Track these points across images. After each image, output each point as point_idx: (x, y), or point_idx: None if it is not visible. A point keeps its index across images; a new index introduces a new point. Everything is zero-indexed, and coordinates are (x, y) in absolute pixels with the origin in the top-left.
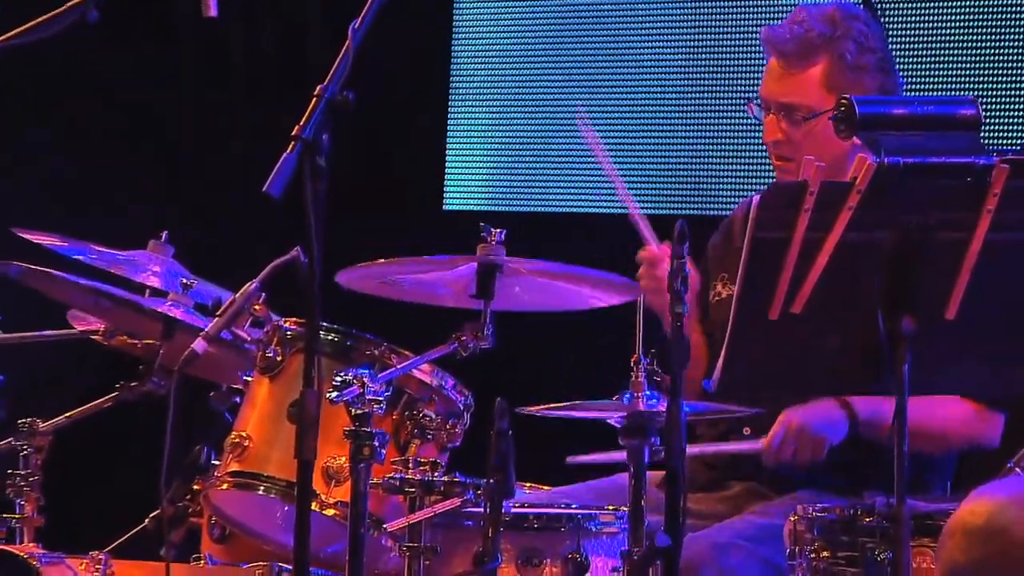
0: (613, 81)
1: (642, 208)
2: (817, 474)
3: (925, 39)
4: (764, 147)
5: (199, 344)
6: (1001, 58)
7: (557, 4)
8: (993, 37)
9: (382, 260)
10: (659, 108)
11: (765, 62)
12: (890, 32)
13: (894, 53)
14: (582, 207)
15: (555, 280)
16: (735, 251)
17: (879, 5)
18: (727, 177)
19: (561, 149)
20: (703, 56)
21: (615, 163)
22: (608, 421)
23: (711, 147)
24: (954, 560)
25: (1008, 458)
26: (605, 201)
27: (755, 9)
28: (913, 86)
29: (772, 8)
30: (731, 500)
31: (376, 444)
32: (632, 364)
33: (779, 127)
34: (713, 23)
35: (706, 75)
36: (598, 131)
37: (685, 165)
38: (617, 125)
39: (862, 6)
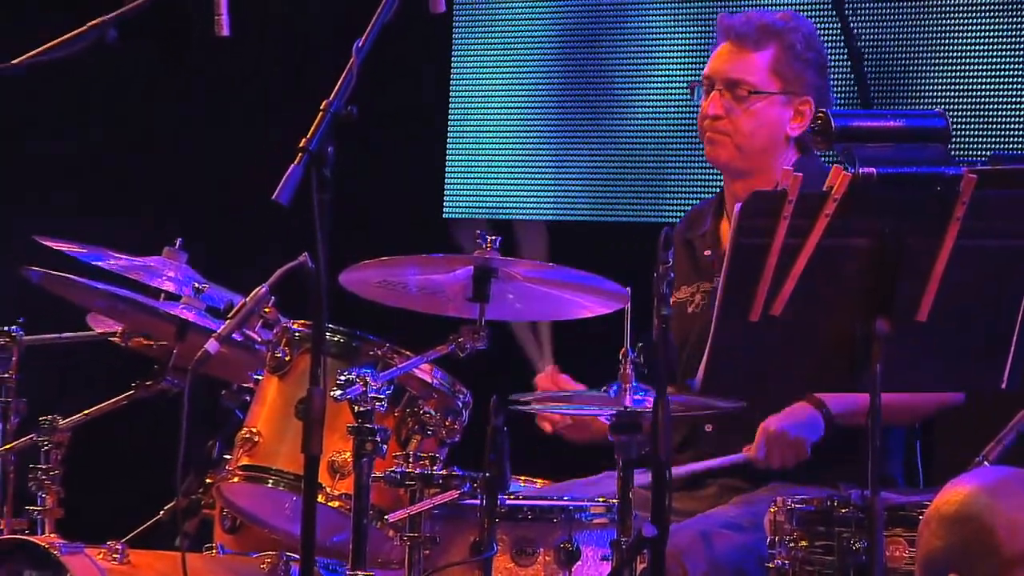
0: (606, 92)
1: (629, 216)
2: (790, 468)
3: (897, 47)
4: None
5: (211, 344)
6: (973, 68)
7: (554, 19)
8: (964, 45)
9: (384, 258)
10: (651, 118)
11: (716, 47)
12: (862, 40)
13: (865, 59)
14: (580, 215)
15: (546, 287)
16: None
17: (850, 7)
18: (711, 186)
19: (559, 159)
20: (692, 70)
21: (608, 171)
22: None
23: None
24: (931, 545)
25: (976, 454)
26: (604, 210)
27: None
28: (884, 93)
29: None
30: (710, 498)
31: (378, 439)
32: (620, 357)
33: (720, 103)
34: (704, 40)
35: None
36: (588, 139)
37: (674, 174)
38: (610, 135)
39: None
